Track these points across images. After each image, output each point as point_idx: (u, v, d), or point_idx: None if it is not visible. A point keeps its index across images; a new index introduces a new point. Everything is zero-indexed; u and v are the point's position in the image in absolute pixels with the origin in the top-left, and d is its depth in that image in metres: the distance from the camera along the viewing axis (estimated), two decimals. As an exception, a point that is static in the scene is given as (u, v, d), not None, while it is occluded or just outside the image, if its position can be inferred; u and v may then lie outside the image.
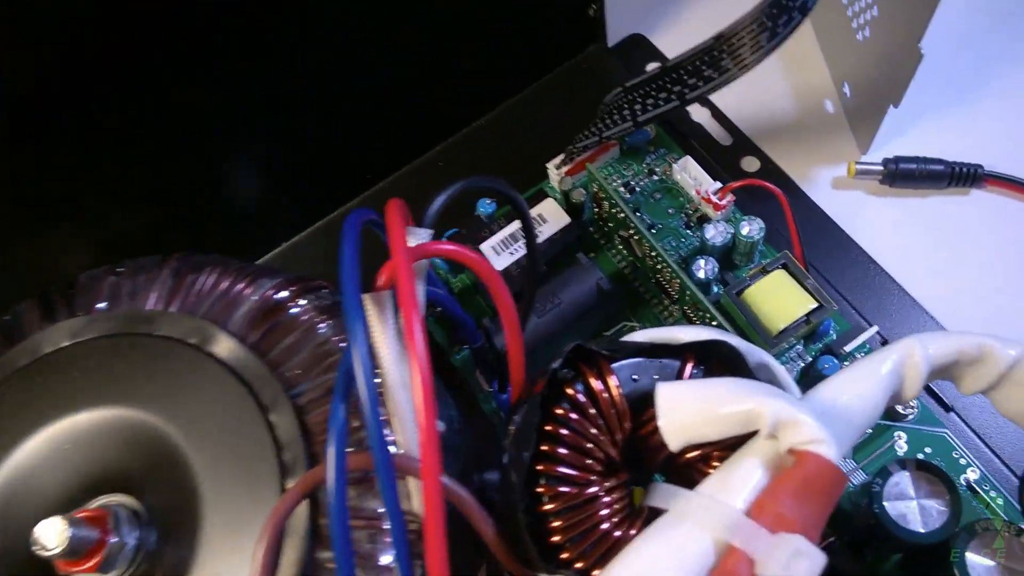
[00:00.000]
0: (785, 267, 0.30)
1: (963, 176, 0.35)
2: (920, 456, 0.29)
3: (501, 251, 0.31)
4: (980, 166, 0.35)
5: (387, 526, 0.20)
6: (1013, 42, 0.38)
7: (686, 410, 0.20)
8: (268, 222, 0.37)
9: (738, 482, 0.19)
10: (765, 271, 0.30)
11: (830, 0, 0.37)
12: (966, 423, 0.29)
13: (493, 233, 0.32)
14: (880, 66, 0.34)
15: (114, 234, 0.31)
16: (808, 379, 0.30)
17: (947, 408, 0.30)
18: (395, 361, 0.18)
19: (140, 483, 0.21)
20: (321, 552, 0.21)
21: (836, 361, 0.29)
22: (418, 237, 0.19)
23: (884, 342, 0.31)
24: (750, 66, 0.24)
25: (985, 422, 0.30)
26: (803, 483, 0.18)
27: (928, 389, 0.30)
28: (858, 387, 0.20)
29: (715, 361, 0.22)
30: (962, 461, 0.28)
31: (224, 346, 0.21)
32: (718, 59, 0.24)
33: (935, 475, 0.24)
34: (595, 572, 0.19)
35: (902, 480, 0.24)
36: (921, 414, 0.29)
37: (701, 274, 0.31)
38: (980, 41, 0.39)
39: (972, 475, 0.28)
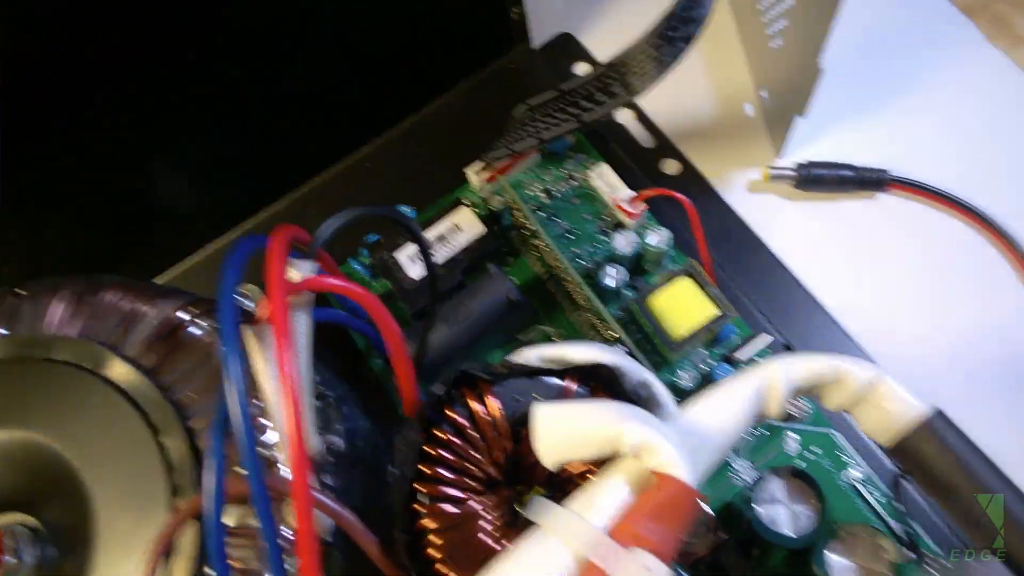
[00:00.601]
0: (690, 275, 0.32)
1: (869, 181, 0.37)
2: (809, 454, 0.30)
3: (416, 260, 0.32)
4: (885, 171, 0.37)
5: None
6: (915, 57, 0.40)
7: (559, 432, 0.21)
8: (192, 223, 0.38)
9: (602, 500, 0.20)
10: (671, 278, 0.31)
11: (751, 5, 0.38)
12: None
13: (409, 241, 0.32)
14: (790, 75, 0.35)
15: (27, 247, 0.32)
16: (708, 386, 0.31)
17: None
18: (276, 392, 0.19)
19: (38, 502, 0.22)
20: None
21: (732, 369, 0.31)
22: (303, 270, 0.20)
23: (786, 346, 0.33)
24: (639, 91, 0.25)
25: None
26: (659, 503, 0.20)
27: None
28: (721, 410, 0.22)
29: (596, 382, 0.23)
30: (847, 460, 0.30)
31: (118, 371, 0.22)
32: (608, 86, 0.24)
33: (806, 482, 0.25)
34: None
35: (775, 486, 0.25)
36: (813, 416, 0.31)
37: (611, 282, 0.32)
38: (888, 54, 0.40)
39: (856, 474, 0.30)
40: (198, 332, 0.23)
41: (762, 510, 0.25)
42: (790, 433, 0.31)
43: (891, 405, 0.22)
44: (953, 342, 0.34)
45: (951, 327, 0.34)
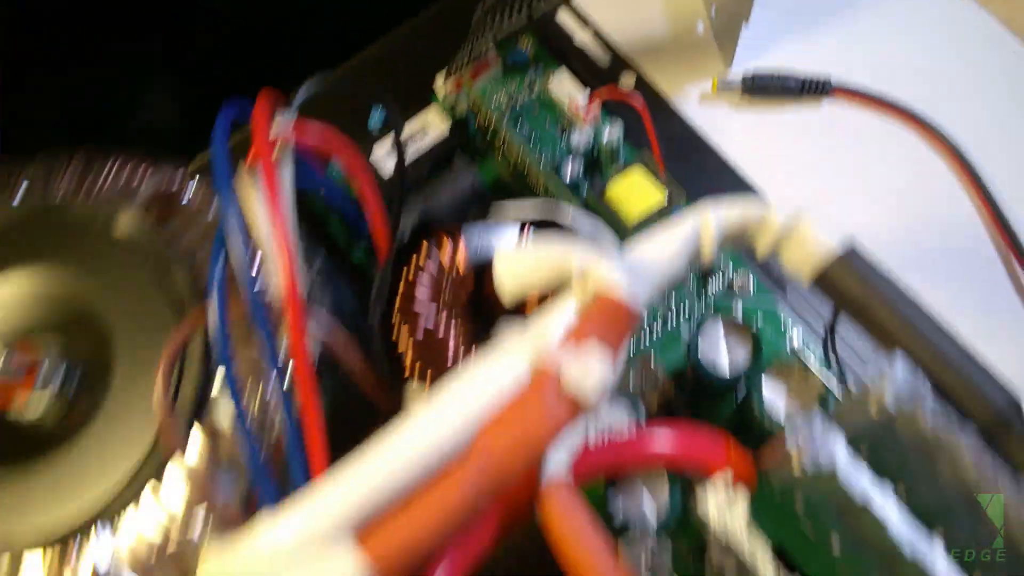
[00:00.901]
0: (642, 164, 0.34)
1: (813, 88, 0.40)
2: (753, 323, 0.33)
3: (390, 156, 0.35)
4: (828, 80, 0.40)
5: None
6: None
7: (515, 263, 0.24)
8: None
9: (554, 318, 0.23)
10: (624, 169, 0.34)
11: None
12: (799, 293, 0.34)
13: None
14: (734, -13, 0.38)
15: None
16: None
17: (781, 286, 0.35)
18: (266, 223, 0.22)
19: (64, 329, 0.25)
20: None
21: (679, 244, 0.33)
22: (283, 121, 0.23)
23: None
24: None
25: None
26: (601, 317, 0.22)
27: (764, 268, 0.35)
28: (660, 250, 0.25)
29: (550, 229, 0.26)
30: (789, 326, 0.33)
31: (124, 224, 0.25)
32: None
33: (743, 326, 0.28)
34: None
35: (714, 331, 0.28)
36: (756, 288, 0.34)
37: (569, 176, 0.35)
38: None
39: (796, 336, 0.33)
40: (192, 193, 0.26)
41: (701, 352, 0.28)
42: (736, 304, 0.34)
43: (810, 240, 0.25)
44: (889, 234, 0.37)
45: (888, 220, 0.37)
